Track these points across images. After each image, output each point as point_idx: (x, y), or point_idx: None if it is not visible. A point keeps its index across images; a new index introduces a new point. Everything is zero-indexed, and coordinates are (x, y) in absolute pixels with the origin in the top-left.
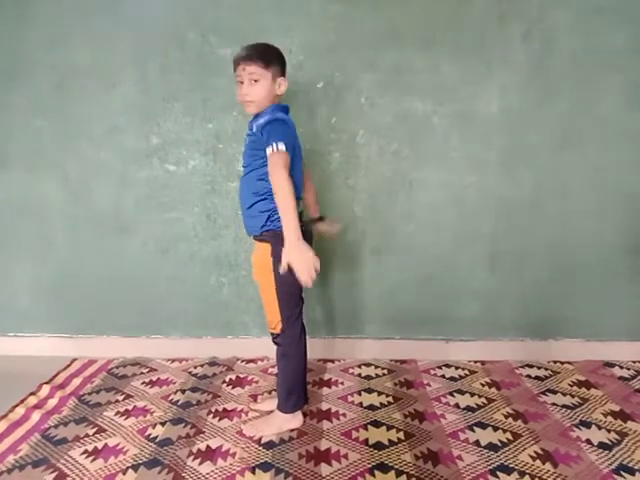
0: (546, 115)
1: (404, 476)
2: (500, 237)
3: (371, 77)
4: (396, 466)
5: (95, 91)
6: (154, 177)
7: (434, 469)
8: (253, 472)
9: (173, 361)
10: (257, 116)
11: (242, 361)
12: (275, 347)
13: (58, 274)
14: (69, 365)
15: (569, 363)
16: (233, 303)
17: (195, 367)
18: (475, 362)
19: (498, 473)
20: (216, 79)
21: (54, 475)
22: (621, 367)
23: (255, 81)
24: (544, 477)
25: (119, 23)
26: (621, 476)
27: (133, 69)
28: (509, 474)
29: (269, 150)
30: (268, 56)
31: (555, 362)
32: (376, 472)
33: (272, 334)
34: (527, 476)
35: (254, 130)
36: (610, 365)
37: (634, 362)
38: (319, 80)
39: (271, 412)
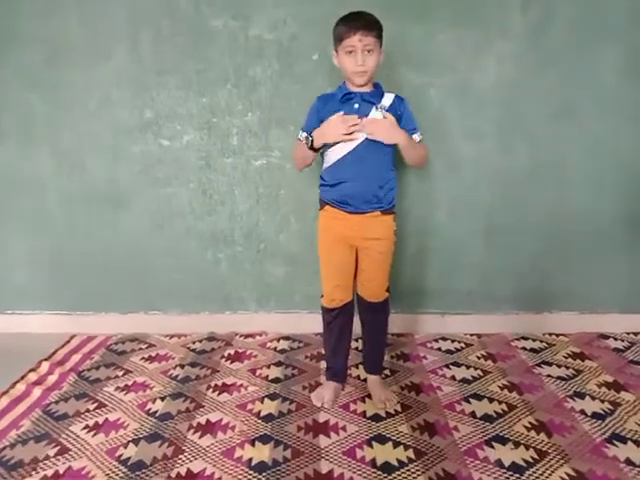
0: (543, 85)
1: (401, 447)
2: (496, 209)
3: None
4: (393, 437)
5: (87, 63)
6: (148, 152)
7: (430, 440)
8: (253, 444)
9: (172, 337)
10: (354, 95)
11: (240, 336)
12: (366, 316)
13: (54, 251)
14: (68, 342)
15: (564, 335)
16: (230, 279)
17: (194, 342)
18: (471, 335)
19: (493, 443)
20: (209, 50)
21: (56, 449)
22: (615, 339)
23: (369, 51)
24: (538, 447)
25: None
26: (614, 445)
27: (125, 41)
28: (504, 444)
29: (417, 137)
30: (380, 26)
31: (550, 334)
32: (374, 443)
33: (370, 304)
34: (522, 446)
35: (378, 108)
36: (604, 337)
37: (628, 334)
38: (314, 51)
39: (374, 386)
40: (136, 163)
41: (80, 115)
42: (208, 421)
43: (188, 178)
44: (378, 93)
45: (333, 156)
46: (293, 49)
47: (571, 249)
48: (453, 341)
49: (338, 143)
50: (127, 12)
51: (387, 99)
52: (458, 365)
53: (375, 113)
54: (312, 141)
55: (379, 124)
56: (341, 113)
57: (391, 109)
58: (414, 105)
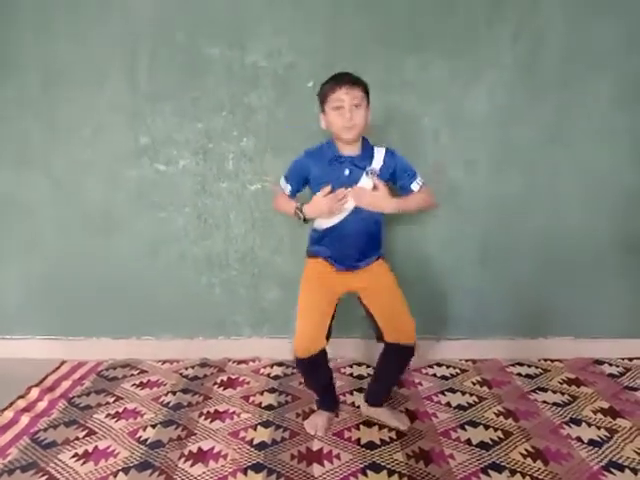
0: (535, 114)
1: (396, 475)
2: (490, 235)
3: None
4: (388, 465)
5: (83, 90)
6: (144, 177)
7: (426, 468)
8: (245, 473)
9: (164, 362)
10: (343, 160)
11: (233, 362)
12: (391, 359)
13: (47, 276)
14: (58, 367)
15: (559, 361)
16: (224, 303)
17: (186, 368)
18: (466, 361)
19: (489, 471)
20: (205, 78)
21: (44, 479)
22: (610, 364)
23: (356, 106)
24: (535, 475)
25: (106, 22)
26: (611, 473)
27: (122, 68)
28: (500, 472)
29: (418, 185)
30: (365, 83)
31: (545, 360)
32: (368, 472)
33: (405, 347)
34: (518, 474)
35: (369, 173)
36: (599, 362)
37: (623, 359)
38: (309, 79)
39: (384, 414)
40: (131, 188)
41: (75, 141)
42: (200, 449)
43: (183, 203)
44: (368, 154)
45: (323, 223)
46: (288, 77)
47: (566, 275)
48: (448, 367)
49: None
50: (124, 39)
51: (377, 160)
52: (453, 391)
53: (366, 180)
54: (304, 215)
55: (366, 195)
56: (328, 189)
57: (383, 168)
58: (408, 133)
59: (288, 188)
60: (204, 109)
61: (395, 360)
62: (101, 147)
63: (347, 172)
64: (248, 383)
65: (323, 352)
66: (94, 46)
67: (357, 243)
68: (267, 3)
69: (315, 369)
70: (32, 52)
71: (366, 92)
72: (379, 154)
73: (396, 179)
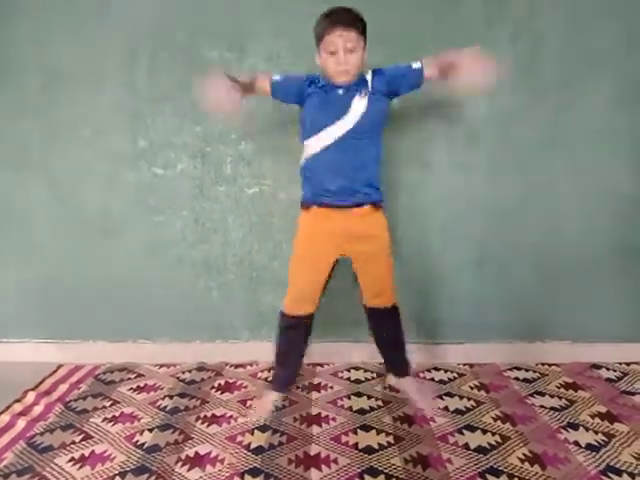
0: (534, 116)
1: None
2: (487, 239)
3: None
4: (386, 470)
5: (82, 92)
6: (142, 180)
7: (424, 472)
8: (242, 478)
9: (161, 366)
10: (341, 86)
11: (231, 366)
12: (378, 325)
13: (44, 278)
14: (55, 371)
15: (556, 365)
16: (222, 307)
17: (183, 372)
18: (464, 365)
19: (487, 476)
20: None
21: None
22: (608, 369)
23: (351, 50)
24: (533, 479)
25: (106, 24)
26: (608, 477)
27: (121, 70)
28: (498, 477)
29: (419, 62)
30: (363, 21)
31: (543, 364)
32: (366, 476)
33: (381, 310)
34: (516, 478)
35: (362, 94)
36: (597, 367)
37: (620, 364)
38: None
39: (410, 386)
40: (129, 191)
41: (74, 143)
42: (197, 453)
43: (181, 206)
44: (361, 81)
45: (308, 151)
46: None
47: (563, 278)
48: (446, 371)
49: (316, 134)
50: (123, 41)
51: (368, 82)
52: (451, 395)
53: (358, 99)
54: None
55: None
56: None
57: (377, 88)
58: (405, 135)
59: (277, 77)
60: (203, 112)
61: (384, 324)
62: (99, 150)
63: (340, 92)
64: (246, 387)
65: (310, 317)
66: (93, 47)
67: (344, 171)
68: (267, 5)
69: (294, 333)
70: (31, 55)
71: (362, 32)
72: (369, 78)
73: (396, 87)
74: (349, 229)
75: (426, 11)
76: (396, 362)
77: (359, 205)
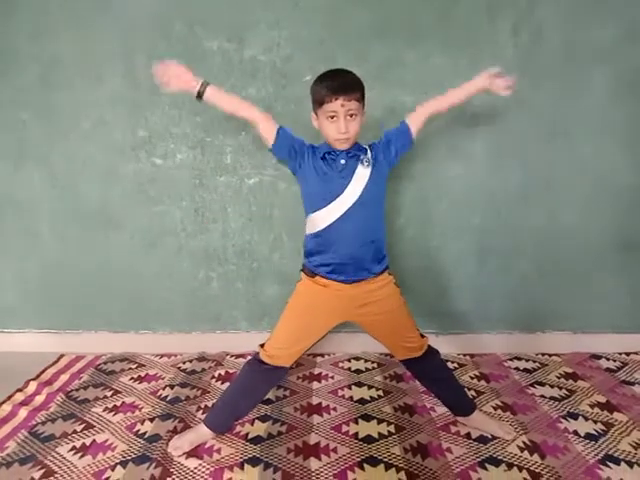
0: (534, 108)
1: (393, 469)
2: (488, 230)
3: (359, 70)
4: (385, 459)
5: (81, 84)
6: (141, 171)
7: (423, 462)
8: (242, 467)
9: (162, 356)
10: (339, 153)
11: (231, 356)
12: (422, 372)
13: (44, 269)
14: (56, 361)
15: (557, 355)
16: (222, 298)
17: (184, 362)
18: (464, 355)
19: (487, 465)
20: (204, 71)
21: (41, 472)
22: (607, 359)
23: (352, 116)
24: (532, 468)
25: (105, 14)
26: (607, 466)
27: (119, 61)
28: (497, 466)
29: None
30: (362, 86)
31: (543, 354)
32: (365, 465)
33: (417, 359)
34: (515, 467)
35: (364, 161)
36: (597, 357)
37: (620, 354)
38: (307, 73)
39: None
40: (129, 182)
41: (73, 135)
42: None
43: (181, 196)
44: (359, 147)
45: (318, 224)
46: (287, 70)
47: (563, 269)
48: (447, 361)
49: (324, 207)
50: (122, 33)
51: (368, 151)
52: None
53: (361, 168)
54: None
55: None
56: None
57: (378, 156)
58: None
59: (277, 127)
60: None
61: (426, 371)
62: (99, 140)
63: (343, 161)
64: None
65: (284, 371)
66: (93, 38)
67: (356, 244)
68: None
69: (260, 382)
70: (29, 47)
71: (362, 96)
72: (368, 149)
73: (396, 148)
74: (357, 298)
75: (427, 3)
76: (456, 403)
77: (367, 278)
